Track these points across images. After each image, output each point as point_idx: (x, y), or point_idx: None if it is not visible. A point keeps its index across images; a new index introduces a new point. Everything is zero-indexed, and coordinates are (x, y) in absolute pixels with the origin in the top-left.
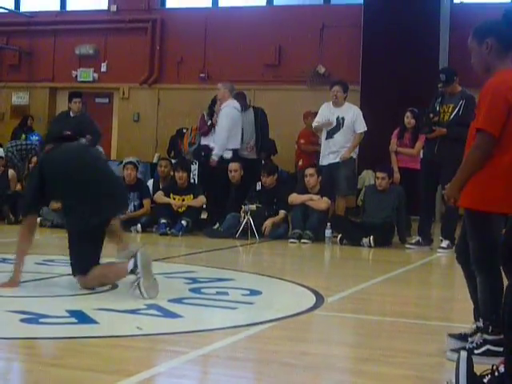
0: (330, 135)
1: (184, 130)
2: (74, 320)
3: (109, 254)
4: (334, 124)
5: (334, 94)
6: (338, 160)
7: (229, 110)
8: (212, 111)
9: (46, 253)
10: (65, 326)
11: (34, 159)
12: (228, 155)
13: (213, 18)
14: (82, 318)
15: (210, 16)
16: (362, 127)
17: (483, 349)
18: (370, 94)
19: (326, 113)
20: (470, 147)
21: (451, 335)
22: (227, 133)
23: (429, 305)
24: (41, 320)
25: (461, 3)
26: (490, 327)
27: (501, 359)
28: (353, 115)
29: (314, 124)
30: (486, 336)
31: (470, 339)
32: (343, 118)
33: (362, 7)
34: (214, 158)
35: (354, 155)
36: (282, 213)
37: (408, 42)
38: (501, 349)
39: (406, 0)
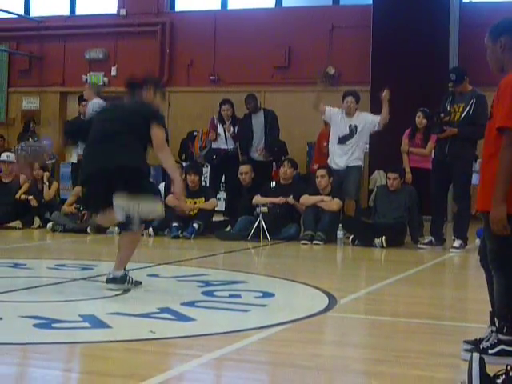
0: (342, 141)
1: (195, 133)
2: (87, 325)
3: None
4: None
5: (347, 104)
6: (348, 165)
7: (91, 105)
8: (221, 116)
9: (58, 257)
10: (78, 331)
11: (36, 165)
12: None
13: (222, 21)
14: (94, 322)
15: (219, 18)
16: (377, 117)
17: (497, 349)
18: (380, 95)
19: (337, 120)
20: (488, 146)
21: (466, 341)
22: None
23: (442, 305)
24: (54, 325)
25: (470, 2)
26: (505, 327)
27: None
28: (364, 121)
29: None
30: (500, 336)
31: (484, 341)
32: (356, 126)
33: (371, 7)
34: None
35: (362, 163)
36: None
37: (418, 41)
38: None
39: (415, 0)
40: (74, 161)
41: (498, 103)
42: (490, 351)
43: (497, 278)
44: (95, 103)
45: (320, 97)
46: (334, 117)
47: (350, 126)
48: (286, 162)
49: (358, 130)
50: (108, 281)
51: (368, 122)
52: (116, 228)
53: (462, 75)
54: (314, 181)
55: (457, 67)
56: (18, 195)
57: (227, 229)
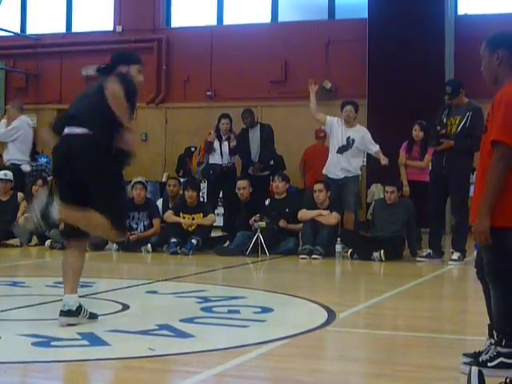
0: (340, 151)
1: (192, 149)
2: (85, 342)
3: None
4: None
5: (346, 113)
6: (346, 175)
7: (19, 123)
8: (219, 130)
9: (56, 275)
10: (76, 349)
11: (40, 182)
12: (26, 169)
13: (218, 36)
14: (93, 340)
15: (215, 34)
16: (374, 147)
17: (497, 361)
18: (376, 108)
19: (336, 129)
20: (483, 160)
21: (466, 354)
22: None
23: (441, 318)
24: (52, 343)
25: (465, 15)
26: (504, 340)
27: None
28: (362, 138)
29: (319, 115)
30: (499, 349)
31: (483, 354)
32: (353, 140)
33: (366, 21)
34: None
35: (359, 171)
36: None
37: (413, 54)
38: None
39: (411, 13)
40: None
41: (492, 117)
42: (489, 364)
43: (493, 290)
44: (24, 120)
45: (314, 99)
46: (333, 127)
47: (348, 137)
48: (276, 177)
49: (354, 145)
50: (62, 314)
51: (365, 143)
52: (114, 245)
53: (458, 88)
54: (311, 195)
55: (453, 80)
56: (18, 217)
57: (225, 244)
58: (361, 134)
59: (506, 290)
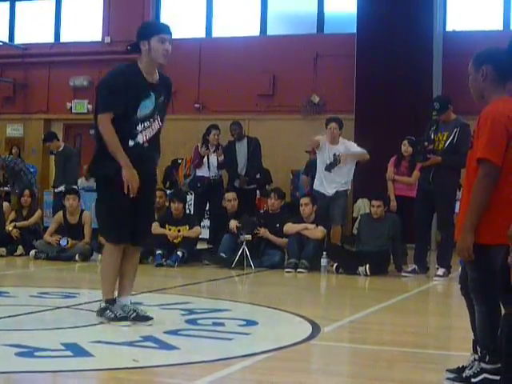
0: (328, 169)
1: (179, 161)
2: (69, 353)
3: None
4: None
5: (331, 130)
6: (337, 190)
7: None
8: (206, 141)
9: (40, 285)
10: (60, 360)
11: (27, 192)
12: None
13: (206, 49)
14: (77, 350)
15: (203, 46)
16: (360, 148)
17: (480, 377)
18: (364, 123)
19: (324, 147)
20: (469, 176)
21: (449, 370)
22: None
23: (426, 333)
24: (36, 353)
25: (453, 31)
26: (488, 356)
27: None
28: (345, 149)
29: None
30: (483, 365)
31: (467, 369)
32: (339, 156)
33: (355, 36)
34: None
35: (348, 187)
36: (284, 240)
37: (401, 70)
38: (498, 377)
39: (399, 29)
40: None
41: (478, 134)
42: (472, 380)
43: (478, 306)
44: None
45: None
46: (322, 146)
47: (334, 154)
48: (273, 194)
49: (341, 159)
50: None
51: (349, 150)
52: (100, 256)
53: (446, 104)
54: (297, 209)
55: (441, 96)
56: (7, 227)
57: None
58: (344, 146)
59: (490, 306)
